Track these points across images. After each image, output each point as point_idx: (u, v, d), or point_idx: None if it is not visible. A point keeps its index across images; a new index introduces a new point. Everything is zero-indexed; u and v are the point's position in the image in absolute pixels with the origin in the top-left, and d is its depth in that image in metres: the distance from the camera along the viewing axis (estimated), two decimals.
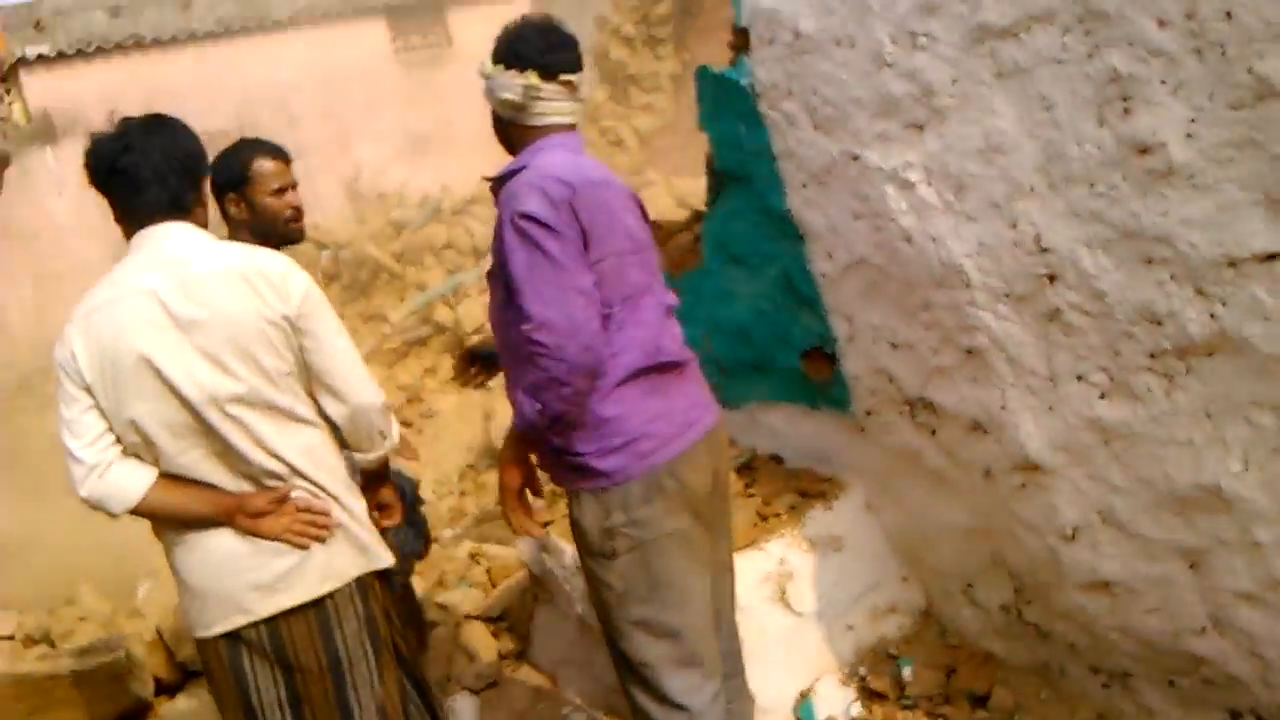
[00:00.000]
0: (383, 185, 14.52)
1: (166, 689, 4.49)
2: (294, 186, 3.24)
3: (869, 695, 3.29)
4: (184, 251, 2.47)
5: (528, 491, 2.65)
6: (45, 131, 12.92)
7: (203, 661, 2.62)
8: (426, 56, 15.85)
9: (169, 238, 2.49)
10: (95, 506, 2.49)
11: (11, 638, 4.60)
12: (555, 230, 2.36)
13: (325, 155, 14.05)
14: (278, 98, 14.09)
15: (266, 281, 2.45)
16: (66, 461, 2.47)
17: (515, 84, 2.54)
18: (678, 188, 10.62)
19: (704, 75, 3.54)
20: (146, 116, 2.57)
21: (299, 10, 14.80)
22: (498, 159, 2.60)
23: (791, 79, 3.14)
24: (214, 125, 14.16)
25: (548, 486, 3.56)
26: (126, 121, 2.54)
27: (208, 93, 13.94)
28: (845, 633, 3.38)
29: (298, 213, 3.23)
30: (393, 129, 15.23)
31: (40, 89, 13.32)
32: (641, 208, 2.68)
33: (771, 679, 3.17)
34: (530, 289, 2.37)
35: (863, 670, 3.34)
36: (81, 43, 13.57)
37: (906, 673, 3.27)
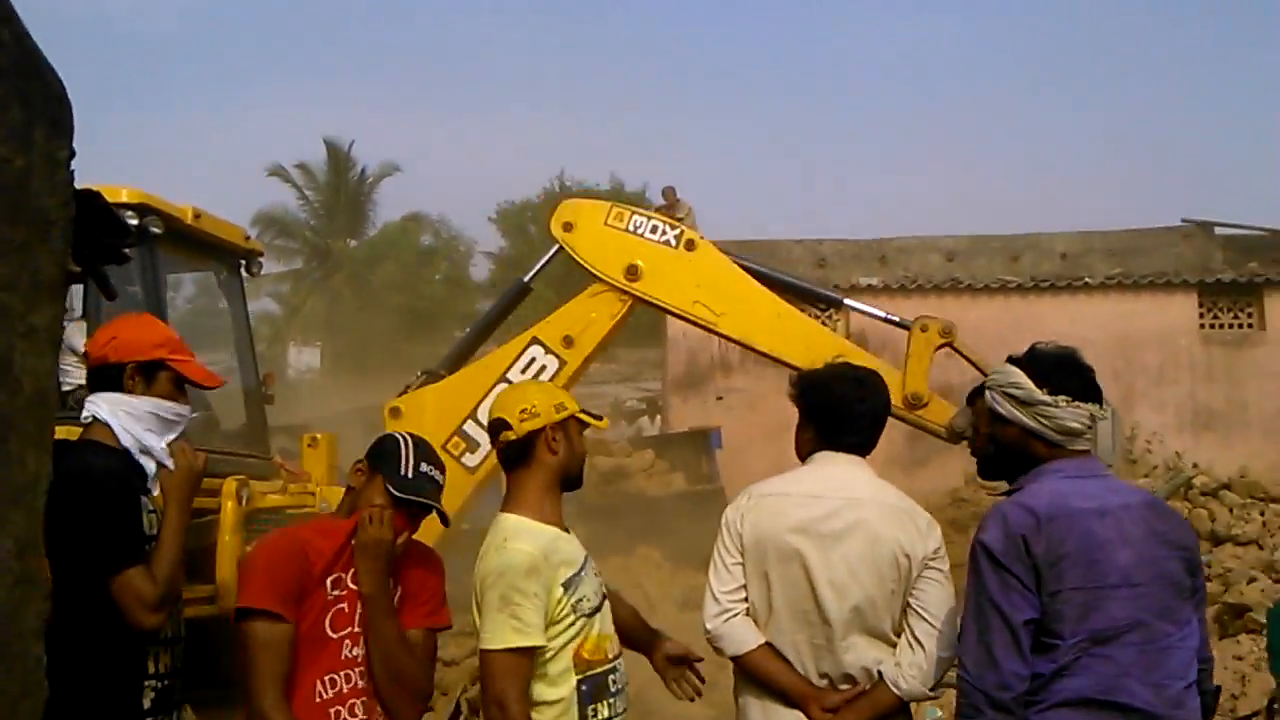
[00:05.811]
0: (1158, 450, 14.29)
1: None
2: None
3: None
4: (851, 480, 2.88)
5: None
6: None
7: None
8: (1233, 336, 15.48)
9: (843, 466, 2.91)
10: (711, 641, 2.89)
11: None
12: (999, 563, 2.47)
13: None
14: None
15: (914, 522, 2.82)
16: (705, 594, 2.91)
17: (1079, 413, 2.62)
18: None
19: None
20: (866, 371, 3.03)
21: (1114, 277, 15.48)
22: None
23: None
24: None
25: None
26: (854, 369, 3.02)
27: (1006, 336, 14.89)
28: None
29: None
30: (1180, 400, 15.02)
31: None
32: (1183, 546, 2.57)
33: None
34: (966, 613, 2.54)
35: None
36: (907, 279, 15.44)
37: None
